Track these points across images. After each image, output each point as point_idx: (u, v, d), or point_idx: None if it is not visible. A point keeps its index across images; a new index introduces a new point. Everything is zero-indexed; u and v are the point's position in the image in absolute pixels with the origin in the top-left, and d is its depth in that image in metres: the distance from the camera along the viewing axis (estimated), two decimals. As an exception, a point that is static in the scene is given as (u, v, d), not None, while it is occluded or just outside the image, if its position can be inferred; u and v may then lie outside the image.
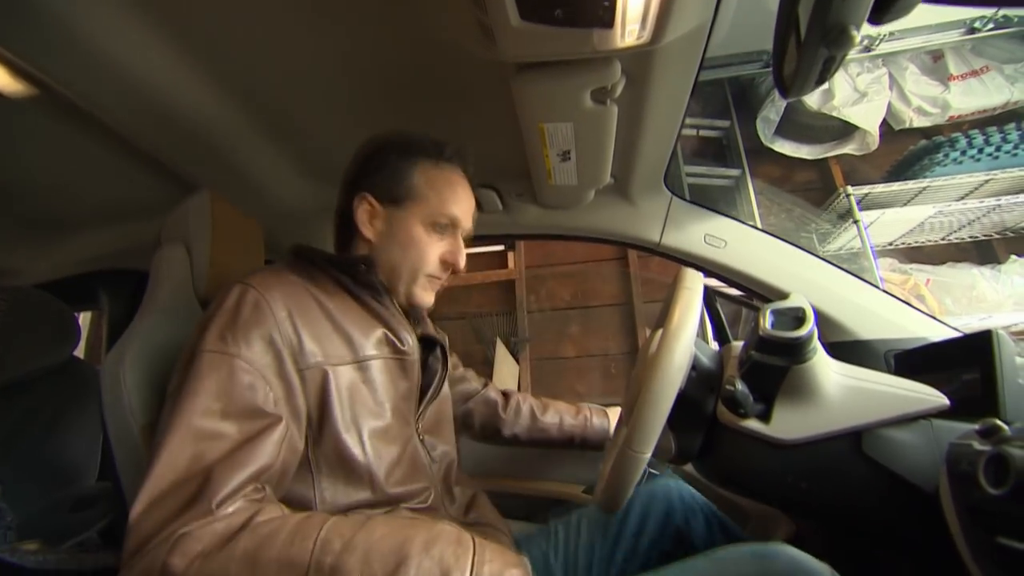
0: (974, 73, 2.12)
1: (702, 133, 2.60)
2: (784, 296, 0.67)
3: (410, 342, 0.75)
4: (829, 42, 0.44)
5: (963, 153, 2.01)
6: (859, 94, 2.15)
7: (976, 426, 0.52)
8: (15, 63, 0.72)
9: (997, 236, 2.26)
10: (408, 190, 0.75)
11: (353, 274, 0.73)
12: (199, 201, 0.84)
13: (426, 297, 0.78)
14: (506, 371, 2.62)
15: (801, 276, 0.97)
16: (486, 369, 2.65)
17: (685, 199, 1.05)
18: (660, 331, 0.63)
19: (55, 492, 1.13)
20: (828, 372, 0.62)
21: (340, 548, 0.47)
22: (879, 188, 2.07)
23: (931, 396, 0.61)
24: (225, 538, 0.48)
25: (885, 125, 2.24)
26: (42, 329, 1.15)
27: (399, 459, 0.69)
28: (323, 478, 0.63)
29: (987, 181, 1.98)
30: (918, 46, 1.95)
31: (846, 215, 2.13)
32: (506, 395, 1.06)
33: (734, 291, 1.05)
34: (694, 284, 0.65)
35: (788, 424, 0.62)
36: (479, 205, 1.11)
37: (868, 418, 0.61)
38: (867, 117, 2.16)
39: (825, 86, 2.17)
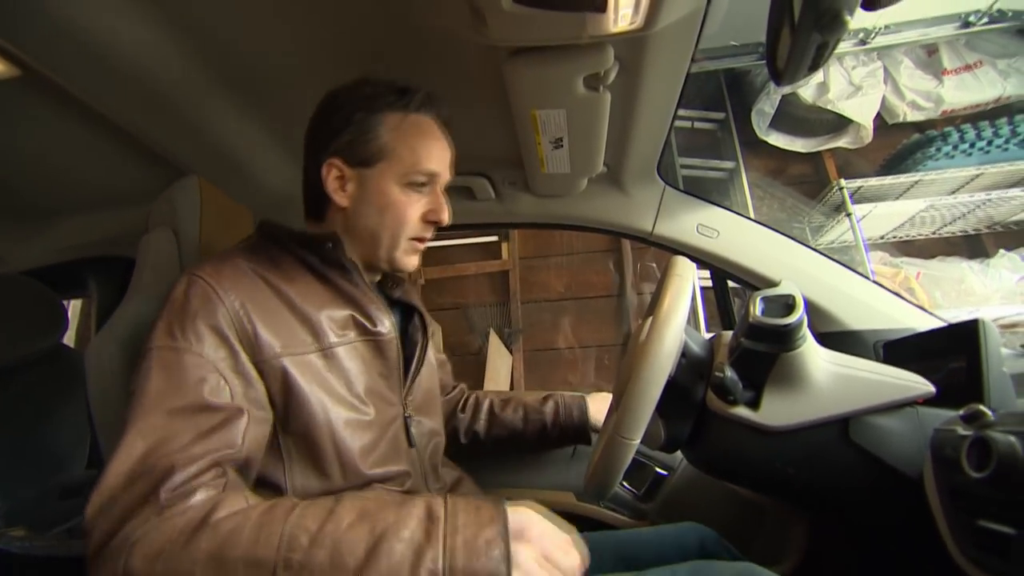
0: (967, 68, 2.13)
1: (697, 125, 2.60)
2: (775, 285, 0.67)
3: (385, 322, 0.71)
4: (822, 27, 0.44)
5: (955, 148, 2.02)
6: (854, 88, 2.16)
7: (960, 412, 0.52)
8: (-1, 45, 0.71)
9: (987, 230, 2.28)
10: (378, 149, 0.69)
11: (320, 253, 0.69)
12: (187, 186, 0.83)
13: (410, 261, 0.74)
14: (499, 362, 2.62)
15: (793, 266, 0.98)
16: (479, 360, 2.65)
17: (678, 189, 1.05)
18: (650, 318, 0.63)
19: (43, 480, 1.13)
20: (817, 360, 0.63)
21: (307, 543, 0.45)
22: (872, 181, 2.08)
23: (918, 384, 0.62)
24: (185, 534, 0.46)
25: (879, 119, 2.25)
26: (28, 316, 1.13)
27: (374, 444, 0.66)
28: (294, 464, 0.62)
29: (978, 175, 2.00)
30: (913, 40, 1.95)
31: (839, 208, 2.15)
32: (469, 395, 1.01)
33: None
34: (685, 272, 0.65)
35: (777, 411, 0.63)
36: (471, 194, 1.11)
37: (855, 405, 0.62)
38: (861, 111, 2.17)
39: (820, 78, 2.17)
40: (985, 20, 1.86)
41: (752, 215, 2.37)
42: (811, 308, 0.93)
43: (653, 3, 0.56)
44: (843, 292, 0.94)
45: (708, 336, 0.76)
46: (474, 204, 1.12)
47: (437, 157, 0.72)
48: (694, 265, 0.67)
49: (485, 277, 2.80)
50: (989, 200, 2.05)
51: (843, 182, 2.10)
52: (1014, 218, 2.20)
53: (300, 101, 0.89)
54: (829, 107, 2.16)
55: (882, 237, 2.35)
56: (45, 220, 1.25)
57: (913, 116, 2.22)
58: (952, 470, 0.50)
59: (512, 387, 2.61)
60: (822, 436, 0.62)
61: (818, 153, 2.46)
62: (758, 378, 0.64)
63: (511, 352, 2.66)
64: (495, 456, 1.22)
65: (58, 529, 0.96)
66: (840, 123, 2.28)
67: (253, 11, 0.70)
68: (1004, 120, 2.02)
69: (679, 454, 1.10)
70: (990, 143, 2.01)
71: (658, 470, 1.14)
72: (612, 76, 0.71)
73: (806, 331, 0.62)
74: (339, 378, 0.65)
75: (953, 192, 2.08)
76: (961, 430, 0.51)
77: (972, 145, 2.01)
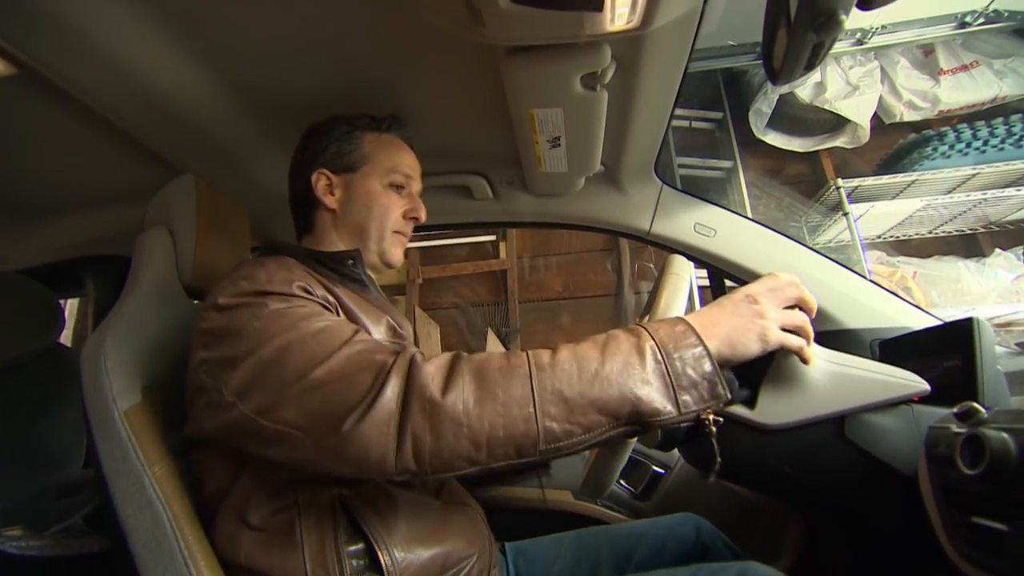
0: (964, 68, 2.14)
1: (694, 124, 2.61)
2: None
3: (408, 329, 0.78)
4: (818, 27, 0.44)
5: (951, 147, 2.03)
6: (851, 87, 2.16)
7: (954, 410, 0.53)
8: (-5, 44, 0.70)
9: (982, 230, 2.30)
10: (361, 156, 0.80)
11: (340, 269, 0.74)
12: (183, 185, 0.82)
13: (397, 253, 0.82)
14: (497, 361, 2.62)
15: (790, 265, 0.98)
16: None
17: (676, 188, 1.05)
18: (647, 317, 0.63)
19: (40, 479, 1.12)
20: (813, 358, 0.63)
21: (549, 359, 0.51)
22: (869, 181, 2.09)
23: (913, 382, 0.62)
24: (442, 369, 0.50)
25: (876, 119, 2.26)
26: (25, 315, 1.13)
27: None
28: None
29: (974, 175, 2.01)
30: (910, 40, 1.96)
31: (836, 207, 2.15)
32: None
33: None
34: (682, 271, 0.66)
35: (773, 409, 0.63)
36: (469, 193, 1.11)
37: (851, 403, 0.62)
38: (859, 110, 2.17)
39: (817, 78, 2.17)
40: (981, 20, 1.87)
41: (749, 214, 2.37)
42: (808, 307, 0.93)
43: (650, 3, 0.56)
44: (840, 291, 0.95)
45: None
46: (472, 203, 1.12)
47: (410, 165, 0.83)
48: (691, 264, 0.67)
49: (483, 276, 2.80)
50: (985, 200, 2.06)
51: (840, 181, 2.11)
52: (1010, 217, 2.21)
53: (297, 100, 0.89)
54: (826, 107, 2.17)
55: (879, 236, 2.36)
56: (41, 219, 1.25)
57: (910, 116, 2.22)
58: (946, 467, 0.50)
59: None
60: (818, 434, 0.63)
61: (815, 152, 2.47)
62: (755, 376, 0.64)
63: (509, 351, 2.66)
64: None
65: (54, 528, 0.96)
66: (837, 123, 2.29)
67: (250, 10, 0.69)
68: (1000, 120, 2.03)
69: (676, 452, 1.11)
70: (986, 143, 2.02)
71: (655, 468, 1.15)
72: (609, 75, 0.71)
73: (802, 329, 0.62)
74: None
75: (949, 192, 2.09)
76: (955, 427, 0.51)
77: (968, 145, 2.03)
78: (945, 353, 0.71)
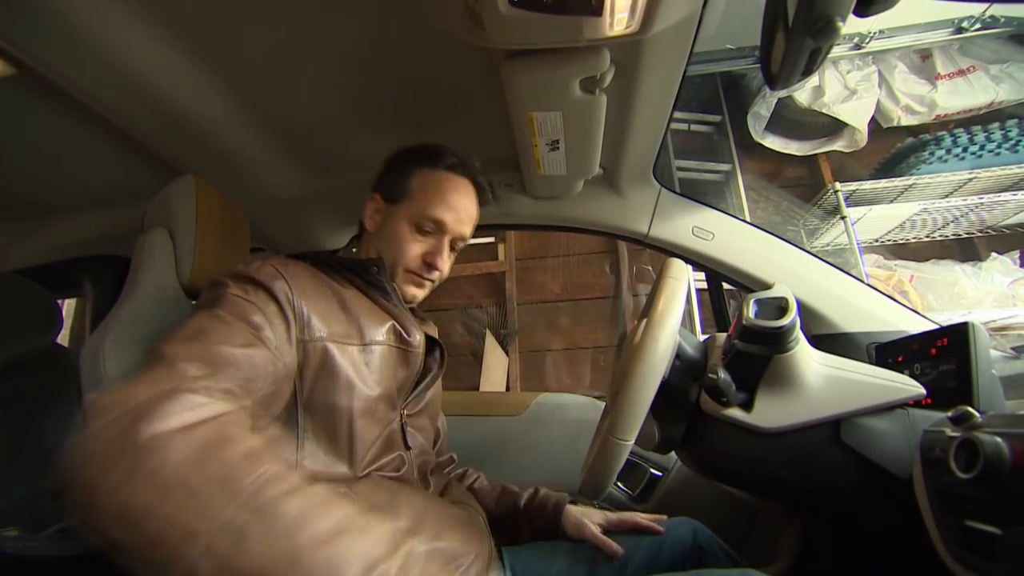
0: (961, 72, 2.15)
1: (693, 128, 2.62)
2: (769, 287, 0.67)
3: (417, 336, 0.78)
4: (815, 33, 0.44)
5: (948, 152, 2.04)
6: (849, 91, 2.17)
7: (949, 414, 0.53)
8: (-5, 44, 0.70)
9: (979, 234, 2.30)
10: (404, 191, 0.81)
11: (365, 275, 0.77)
12: (183, 186, 0.83)
13: (409, 291, 0.82)
14: (495, 363, 2.62)
15: (787, 269, 0.98)
16: (475, 362, 2.65)
17: (674, 191, 1.05)
18: (645, 320, 0.64)
19: (37, 479, 1.12)
20: (810, 362, 0.64)
21: (282, 491, 0.41)
22: (867, 185, 2.10)
23: (909, 386, 0.62)
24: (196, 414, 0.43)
25: (873, 123, 2.27)
26: (22, 315, 1.13)
27: (377, 438, 0.70)
28: (308, 442, 0.64)
29: (971, 179, 2.02)
30: (907, 44, 1.97)
31: (834, 211, 2.16)
32: (458, 465, 0.96)
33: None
34: (680, 274, 0.66)
35: (770, 413, 0.63)
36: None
37: (848, 407, 0.62)
38: (856, 114, 2.18)
39: (815, 82, 2.18)
40: (978, 26, 1.88)
41: (747, 218, 2.38)
42: (804, 310, 0.93)
43: (649, 7, 0.56)
44: (836, 295, 0.95)
45: (702, 338, 0.76)
46: (470, 205, 1.12)
47: (451, 211, 0.80)
48: (689, 267, 0.67)
49: (482, 278, 2.81)
50: (982, 204, 2.07)
51: (838, 185, 2.11)
52: (1006, 222, 2.22)
53: (297, 102, 0.90)
54: (824, 111, 2.18)
55: (876, 240, 2.36)
56: (40, 219, 1.25)
57: (907, 120, 2.23)
58: (940, 471, 0.50)
59: (508, 388, 2.61)
60: (814, 437, 0.63)
61: (813, 156, 2.48)
62: (751, 380, 0.64)
63: (507, 353, 2.66)
64: (491, 457, 1.22)
65: (51, 529, 0.96)
66: (835, 126, 2.30)
67: (251, 12, 0.70)
68: (996, 125, 2.04)
69: (674, 455, 1.11)
70: (983, 147, 2.03)
71: (653, 471, 1.15)
72: (608, 79, 0.71)
73: (799, 333, 0.62)
74: (369, 371, 0.70)
75: (946, 196, 2.10)
76: (949, 432, 0.51)
77: (965, 149, 2.04)
78: (941, 357, 0.72)
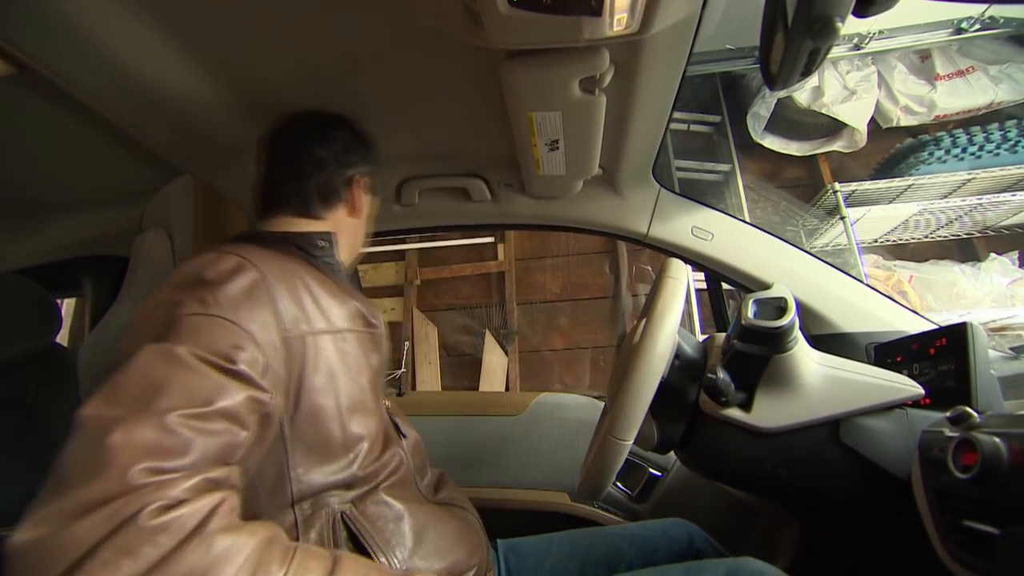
0: (960, 73, 2.15)
1: (693, 128, 2.62)
2: (768, 288, 0.67)
3: (379, 317, 0.76)
4: (814, 33, 0.44)
5: (947, 152, 2.04)
6: (848, 92, 2.17)
7: (947, 414, 0.53)
8: (-7, 42, 0.70)
9: (978, 235, 2.31)
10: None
11: (312, 250, 0.72)
12: (181, 186, 0.83)
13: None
14: (495, 363, 2.62)
15: (787, 269, 0.98)
16: (475, 362, 2.65)
17: (674, 191, 1.05)
18: (644, 320, 0.64)
19: (34, 479, 1.12)
20: (808, 362, 0.64)
21: None
22: (866, 185, 2.10)
23: (907, 386, 0.63)
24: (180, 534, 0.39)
25: (873, 123, 2.27)
26: (21, 315, 1.12)
27: (376, 432, 0.67)
28: (297, 454, 0.59)
29: (969, 180, 2.02)
30: (906, 45, 1.98)
31: (833, 211, 2.16)
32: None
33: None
34: (679, 274, 0.66)
35: (768, 413, 0.63)
36: (467, 195, 1.11)
37: (846, 407, 0.62)
38: (856, 115, 2.18)
39: (815, 82, 2.18)
40: (977, 26, 1.88)
41: (747, 218, 2.38)
42: (804, 311, 0.93)
43: (649, 7, 0.56)
44: (835, 295, 0.95)
45: (701, 338, 0.77)
46: (470, 205, 1.13)
47: None
48: (688, 267, 0.67)
49: (481, 278, 2.81)
50: (980, 204, 2.07)
51: (837, 185, 2.11)
52: (1005, 222, 2.22)
53: (297, 101, 0.89)
54: (824, 111, 2.18)
55: (875, 240, 2.37)
56: (39, 218, 1.24)
57: (906, 121, 2.24)
58: (939, 471, 0.50)
59: (508, 388, 2.61)
60: (813, 437, 0.63)
61: (813, 156, 2.48)
62: (750, 380, 0.64)
63: (507, 353, 2.66)
64: (491, 456, 1.22)
65: (50, 529, 0.96)
66: (834, 127, 2.30)
67: (250, 10, 0.70)
68: (995, 125, 2.04)
69: (672, 455, 1.11)
70: (982, 148, 2.04)
71: (652, 471, 1.15)
72: (608, 79, 0.71)
73: (798, 333, 0.62)
74: (349, 362, 0.66)
75: (945, 196, 2.10)
76: (948, 431, 0.52)
77: (964, 150, 2.04)
78: (939, 357, 0.72)
